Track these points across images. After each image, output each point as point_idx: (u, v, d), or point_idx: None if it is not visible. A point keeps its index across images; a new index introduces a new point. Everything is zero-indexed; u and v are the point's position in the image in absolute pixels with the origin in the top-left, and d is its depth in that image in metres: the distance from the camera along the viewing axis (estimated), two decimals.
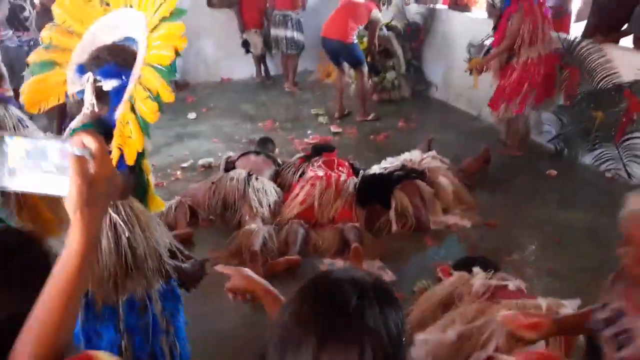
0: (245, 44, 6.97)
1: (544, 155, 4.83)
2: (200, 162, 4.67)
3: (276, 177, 3.92)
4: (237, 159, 4.02)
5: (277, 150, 4.66)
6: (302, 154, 4.18)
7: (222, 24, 7.18)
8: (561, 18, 5.13)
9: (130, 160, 1.58)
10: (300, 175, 3.81)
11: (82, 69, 1.75)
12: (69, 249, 0.77)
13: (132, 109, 1.61)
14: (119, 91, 1.67)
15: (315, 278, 0.97)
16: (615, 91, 4.28)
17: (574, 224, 3.69)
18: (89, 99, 1.71)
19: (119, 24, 1.81)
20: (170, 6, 1.64)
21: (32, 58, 1.86)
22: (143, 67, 1.64)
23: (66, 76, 1.79)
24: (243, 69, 7.41)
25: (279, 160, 4.16)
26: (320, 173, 3.68)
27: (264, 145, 4.37)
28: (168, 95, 1.58)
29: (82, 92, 1.75)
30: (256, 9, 6.78)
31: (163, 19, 1.65)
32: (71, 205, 0.75)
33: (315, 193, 3.55)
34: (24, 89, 1.82)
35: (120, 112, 1.62)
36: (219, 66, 7.44)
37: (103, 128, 1.66)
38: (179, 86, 6.98)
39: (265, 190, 3.62)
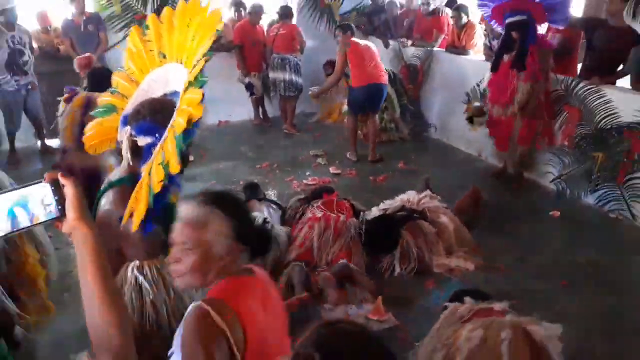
0: (250, 87, 7.10)
1: (547, 196, 4.89)
2: None
3: (282, 222, 3.90)
4: None
5: (273, 192, 4.69)
6: (302, 196, 4.19)
7: (220, 68, 7.32)
8: (566, 59, 5.25)
9: (134, 227, 1.59)
10: (300, 217, 3.82)
11: (125, 120, 1.78)
12: (84, 245, 1.00)
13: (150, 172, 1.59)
14: (151, 149, 1.66)
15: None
16: (616, 132, 4.37)
17: (580, 265, 3.70)
18: (125, 152, 1.77)
19: (170, 78, 1.82)
20: (196, 70, 1.63)
21: (100, 100, 1.96)
22: (169, 129, 1.60)
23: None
24: (241, 111, 7.52)
25: (276, 201, 4.18)
26: (319, 214, 3.69)
27: (254, 191, 4.33)
28: (174, 166, 1.53)
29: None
30: (257, 53, 6.93)
31: (190, 84, 1.63)
32: (73, 214, 1.00)
33: (313, 235, 3.55)
34: (87, 129, 1.93)
35: (142, 174, 1.63)
36: (217, 109, 7.53)
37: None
38: None
39: (279, 242, 3.58)
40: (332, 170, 5.61)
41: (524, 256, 3.82)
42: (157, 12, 6.83)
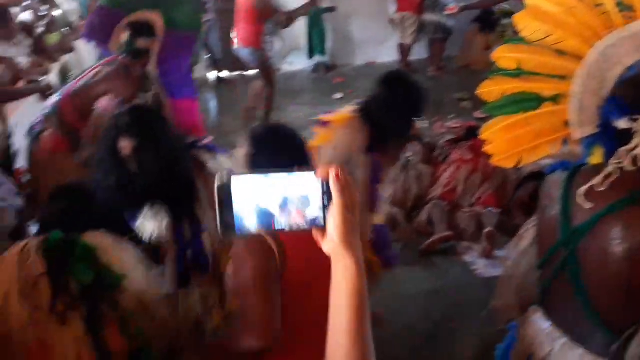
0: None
1: None
2: None
3: (428, 162, 3.84)
4: None
5: None
6: (450, 137, 4.09)
7: (372, 8, 7.23)
8: None
9: None
10: (445, 158, 3.74)
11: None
12: (344, 278, 0.73)
13: None
14: None
15: None
16: None
17: None
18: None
19: None
20: None
21: (484, 93, 1.33)
22: None
23: (569, 116, 1.25)
24: (388, 53, 7.37)
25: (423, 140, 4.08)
26: (468, 156, 3.58)
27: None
28: None
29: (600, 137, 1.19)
30: None
31: None
32: (337, 237, 0.72)
33: (460, 176, 3.48)
34: (487, 136, 1.34)
35: None
36: (365, 49, 7.52)
37: None
38: (328, 68, 7.22)
39: (421, 179, 3.57)
40: (476, 114, 5.36)
41: None
42: None
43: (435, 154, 3.84)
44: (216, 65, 6.69)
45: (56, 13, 4.97)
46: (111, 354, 1.20)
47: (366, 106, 2.13)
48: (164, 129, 1.75)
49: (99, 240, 1.30)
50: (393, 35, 7.02)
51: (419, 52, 7.07)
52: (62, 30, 4.83)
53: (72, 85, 2.72)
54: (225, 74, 6.95)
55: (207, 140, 2.02)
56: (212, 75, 6.92)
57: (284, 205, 0.71)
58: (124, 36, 2.73)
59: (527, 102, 1.27)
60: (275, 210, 0.71)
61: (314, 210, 0.71)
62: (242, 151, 1.52)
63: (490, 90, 1.31)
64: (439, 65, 6.83)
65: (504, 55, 1.30)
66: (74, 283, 1.20)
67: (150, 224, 1.67)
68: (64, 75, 4.10)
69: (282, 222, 0.71)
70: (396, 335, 2.51)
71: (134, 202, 1.68)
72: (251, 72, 7.10)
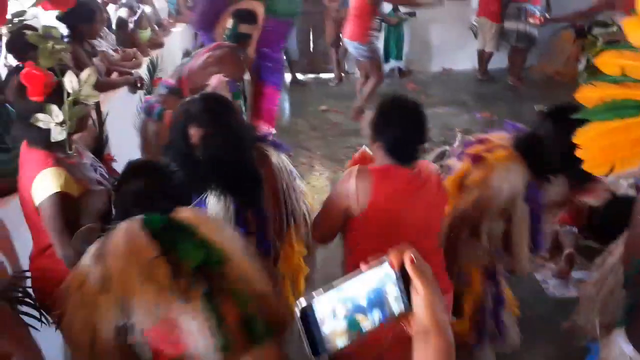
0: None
1: None
2: None
3: None
4: None
5: None
6: None
7: (452, 14, 7.10)
8: None
9: None
10: None
11: None
12: (434, 356, 0.73)
13: None
14: None
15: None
16: None
17: None
18: None
19: None
20: None
21: (582, 98, 1.24)
22: None
23: None
24: (465, 60, 7.24)
25: None
26: None
27: None
28: None
29: None
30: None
31: None
32: (429, 318, 0.72)
33: None
34: (581, 141, 1.22)
35: None
36: (442, 56, 7.41)
37: None
38: (403, 73, 7.18)
39: None
40: None
41: None
42: None
43: None
44: (291, 66, 6.82)
45: (147, 10, 5.27)
46: (229, 326, 1.23)
47: (525, 142, 1.90)
48: (232, 119, 1.81)
49: (194, 216, 1.32)
50: (472, 42, 6.87)
51: (499, 61, 6.88)
52: (152, 26, 5.13)
53: (186, 67, 2.85)
54: (299, 75, 7.08)
55: (272, 134, 2.09)
56: (287, 76, 7.07)
57: (367, 307, 0.71)
58: (229, 22, 2.93)
59: (628, 109, 1.18)
60: (360, 314, 0.71)
61: (395, 299, 0.72)
62: (368, 117, 1.69)
63: (589, 95, 1.22)
64: (519, 75, 6.60)
65: (608, 61, 1.20)
66: (186, 261, 1.22)
67: (213, 211, 1.75)
68: (153, 69, 4.36)
69: (369, 323, 0.71)
70: None
71: (197, 188, 1.76)
72: (326, 75, 7.24)
